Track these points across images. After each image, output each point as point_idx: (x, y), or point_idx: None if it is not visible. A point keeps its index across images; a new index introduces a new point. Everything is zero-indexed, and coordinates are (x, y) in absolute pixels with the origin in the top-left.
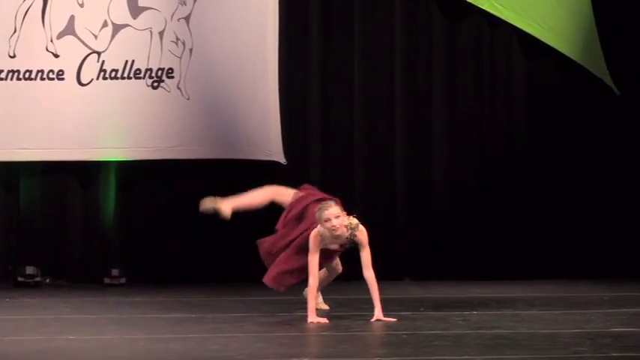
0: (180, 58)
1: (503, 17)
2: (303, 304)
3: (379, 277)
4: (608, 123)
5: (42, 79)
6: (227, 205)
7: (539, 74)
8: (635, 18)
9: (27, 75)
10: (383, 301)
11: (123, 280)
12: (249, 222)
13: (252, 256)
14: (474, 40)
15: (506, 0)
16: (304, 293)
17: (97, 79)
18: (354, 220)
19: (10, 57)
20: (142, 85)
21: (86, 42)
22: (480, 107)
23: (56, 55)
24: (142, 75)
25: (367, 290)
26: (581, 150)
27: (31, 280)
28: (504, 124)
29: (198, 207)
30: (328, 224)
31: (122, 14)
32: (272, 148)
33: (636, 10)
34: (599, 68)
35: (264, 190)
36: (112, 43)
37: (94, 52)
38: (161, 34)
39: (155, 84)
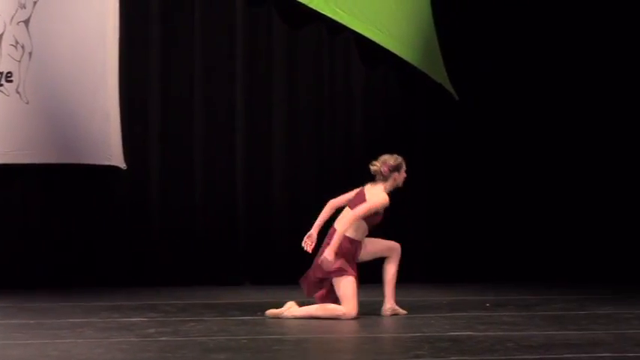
0: (19, 61)
1: (344, 22)
2: (141, 310)
3: (219, 282)
4: (447, 127)
5: None
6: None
7: (378, 79)
8: (474, 24)
9: None
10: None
11: None
12: (86, 227)
13: (90, 261)
14: (314, 45)
15: (348, 6)
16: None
17: None
18: None
19: None
20: None
21: None
22: (320, 110)
23: None
24: None
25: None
26: (420, 152)
27: None
28: (343, 128)
29: (36, 211)
30: (404, 176)
31: None
32: (112, 152)
33: (475, 17)
34: (438, 74)
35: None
36: None
37: None
38: (0, 37)
39: None
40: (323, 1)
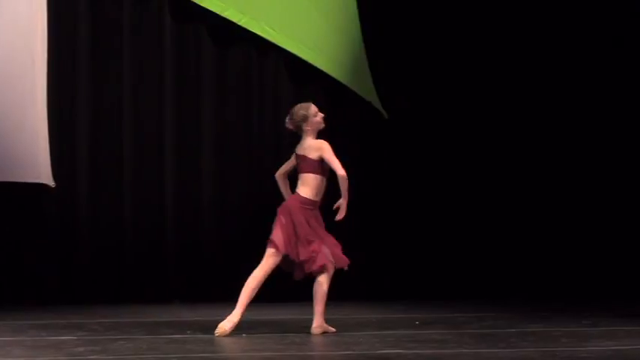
0: None
1: (274, 41)
2: (70, 328)
3: (148, 300)
4: (377, 146)
5: None
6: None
7: (307, 96)
8: (403, 41)
9: None
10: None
11: None
12: (14, 244)
13: (18, 278)
14: (242, 66)
15: (278, 24)
16: None
17: None
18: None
19: None
20: None
21: None
22: (249, 129)
23: None
24: None
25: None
26: (350, 170)
27: None
28: (272, 146)
29: None
30: (319, 117)
31: None
32: (41, 170)
33: (404, 34)
34: (368, 92)
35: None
36: None
37: None
38: None
39: None
40: (253, 20)
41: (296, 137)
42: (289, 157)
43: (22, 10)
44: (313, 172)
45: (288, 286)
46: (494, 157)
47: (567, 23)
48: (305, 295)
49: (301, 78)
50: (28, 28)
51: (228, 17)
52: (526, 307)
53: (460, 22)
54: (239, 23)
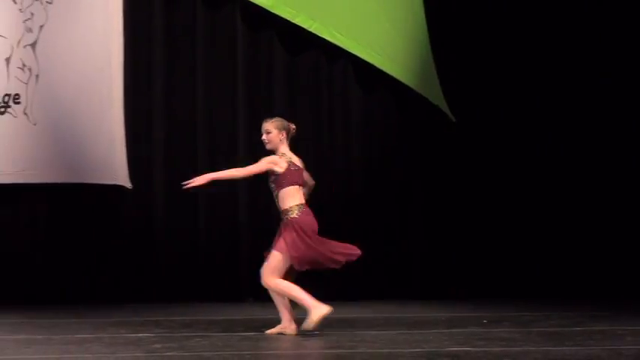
0: (26, 84)
1: (343, 46)
2: (147, 326)
3: (221, 298)
4: (444, 148)
5: None
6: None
7: (376, 102)
8: (470, 46)
9: None
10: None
11: None
12: (93, 245)
13: (97, 278)
14: (313, 72)
15: (347, 30)
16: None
17: None
18: None
19: None
20: None
21: None
22: (319, 134)
23: None
24: None
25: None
26: (417, 174)
27: None
28: (342, 151)
29: (43, 228)
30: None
31: None
32: (118, 172)
33: (471, 39)
34: (435, 96)
35: None
36: None
37: None
38: (7, 60)
39: (2, 109)
40: (323, 26)
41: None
42: (358, 162)
43: (99, 15)
44: None
45: (356, 285)
46: (559, 158)
47: (633, 28)
48: (372, 294)
49: (370, 83)
50: (105, 32)
51: (298, 24)
52: (591, 305)
53: (526, 26)
54: (309, 29)
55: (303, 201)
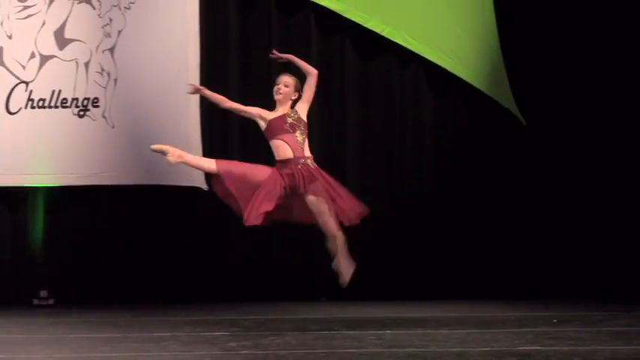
0: (105, 88)
1: (415, 50)
2: (223, 325)
3: (295, 297)
4: (515, 151)
5: None
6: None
7: (447, 106)
8: (541, 49)
9: None
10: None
11: (51, 302)
12: (169, 245)
13: (174, 277)
14: (385, 76)
15: (418, 33)
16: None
17: (26, 107)
18: None
19: None
20: (68, 114)
21: (14, 72)
22: (391, 137)
23: None
24: (68, 104)
25: (287, 311)
26: (488, 177)
27: None
28: (413, 154)
29: (121, 229)
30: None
31: (49, 46)
32: (194, 174)
33: (541, 41)
34: (506, 99)
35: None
36: (40, 73)
37: (23, 82)
38: (87, 64)
39: (81, 113)
40: (395, 30)
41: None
42: (429, 164)
43: (176, 20)
44: None
45: (426, 285)
46: (630, 158)
47: None
48: (442, 293)
49: (441, 86)
50: (182, 36)
51: (371, 28)
52: None
53: (596, 28)
54: (382, 34)
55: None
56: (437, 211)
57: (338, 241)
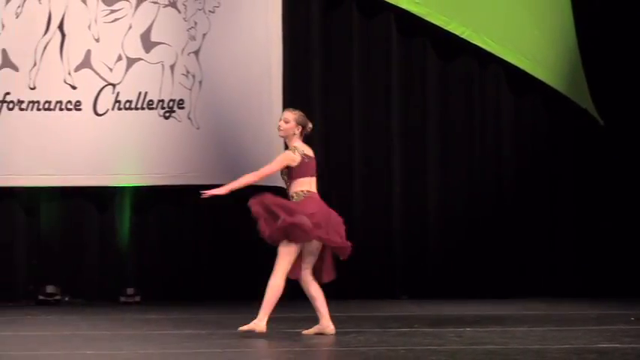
0: (190, 89)
1: (494, 52)
2: (307, 321)
3: (376, 295)
4: (593, 151)
5: (60, 109)
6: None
7: (526, 106)
8: (619, 50)
9: (46, 105)
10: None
11: (137, 299)
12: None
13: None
14: (465, 76)
15: (497, 36)
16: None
17: (113, 109)
18: None
19: (31, 89)
20: (154, 116)
21: (102, 75)
22: (471, 137)
23: (74, 87)
24: (154, 106)
25: (368, 309)
26: (568, 176)
27: (51, 299)
28: (493, 154)
29: (206, 228)
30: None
31: (136, 49)
32: (276, 175)
33: (619, 43)
34: (584, 99)
35: None
36: (127, 75)
37: (110, 84)
38: (172, 67)
39: (167, 114)
40: (475, 32)
41: None
42: (509, 164)
43: (260, 22)
44: None
45: (507, 283)
46: None
47: None
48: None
49: (520, 87)
50: (265, 39)
51: (451, 30)
52: None
53: None
54: (462, 36)
55: (313, 189)
56: (516, 210)
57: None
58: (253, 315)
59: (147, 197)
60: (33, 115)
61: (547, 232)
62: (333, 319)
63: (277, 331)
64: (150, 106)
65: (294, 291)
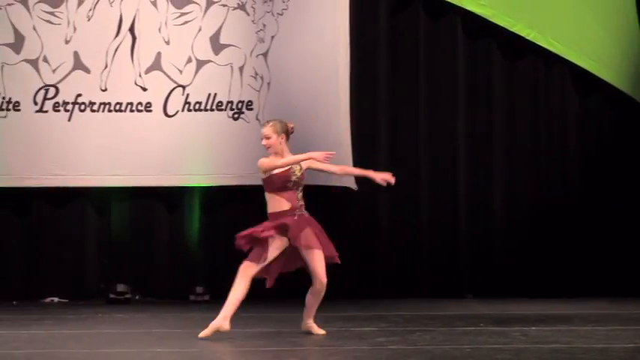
0: (258, 91)
1: (559, 53)
2: (372, 320)
3: (442, 294)
4: None
5: (131, 110)
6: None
7: (591, 106)
8: None
9: (117, 107)
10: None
11: (207, 297)
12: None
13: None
14: (530, 77)
15: (563, 37)
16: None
17: (182, 110)
18: None
19: (102, 90)
20: (223, 117)
21: (172, 77)
22: (536, 137)
23: (144, 89)
24: (223, 107)
25: (434, 308)
26: (634, 176)
27: (121, 297)
28: (558, 153)
29: None
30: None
31: (205, 51)
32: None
33: None
34: None
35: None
36: (196, 77)
37: (180, 85)
38: (241, 69)
39: (235, 115)
40: (540, 34)
41: None
42: (575, 163)
43: (328, 25)
44: None
45: (572, 283)
46: None
47: None
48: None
49: (586, 88)
50: (333, 42)
51: (516, 32)
52: None
53: None
54: (527, 37)
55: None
56: (581, 210)
57: (322, 293)
58: (322, 313)
59: (216, 197)
60: (104, 116)
61: (612, 232)
62: (401, 317)
63: (341, 330)
64: (219, 107)
65: (343, 291)
